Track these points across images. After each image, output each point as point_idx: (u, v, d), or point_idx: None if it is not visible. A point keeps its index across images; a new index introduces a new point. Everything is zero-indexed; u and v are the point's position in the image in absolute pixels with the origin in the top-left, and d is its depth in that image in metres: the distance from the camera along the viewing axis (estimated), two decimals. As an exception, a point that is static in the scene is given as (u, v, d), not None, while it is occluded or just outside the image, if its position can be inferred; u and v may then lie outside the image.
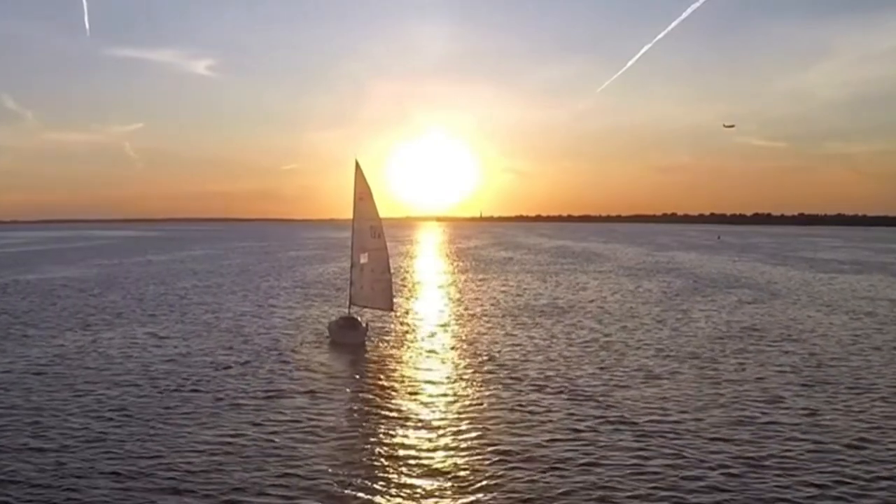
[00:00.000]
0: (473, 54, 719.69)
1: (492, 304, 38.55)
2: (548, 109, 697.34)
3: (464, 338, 28.23)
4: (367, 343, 26.62)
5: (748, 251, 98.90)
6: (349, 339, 26.91)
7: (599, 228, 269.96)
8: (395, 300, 30.14)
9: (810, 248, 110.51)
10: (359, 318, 28.64)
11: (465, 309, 36.94)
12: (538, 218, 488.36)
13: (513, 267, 68.79)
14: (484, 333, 29.13)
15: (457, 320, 33.14)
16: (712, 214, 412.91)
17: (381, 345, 26.68)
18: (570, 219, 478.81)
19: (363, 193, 28.85)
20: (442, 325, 31.57)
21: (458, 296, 43.47)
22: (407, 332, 29.77)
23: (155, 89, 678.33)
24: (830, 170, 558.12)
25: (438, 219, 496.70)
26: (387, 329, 29.94)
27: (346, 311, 29.87)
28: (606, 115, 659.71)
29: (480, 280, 54.04)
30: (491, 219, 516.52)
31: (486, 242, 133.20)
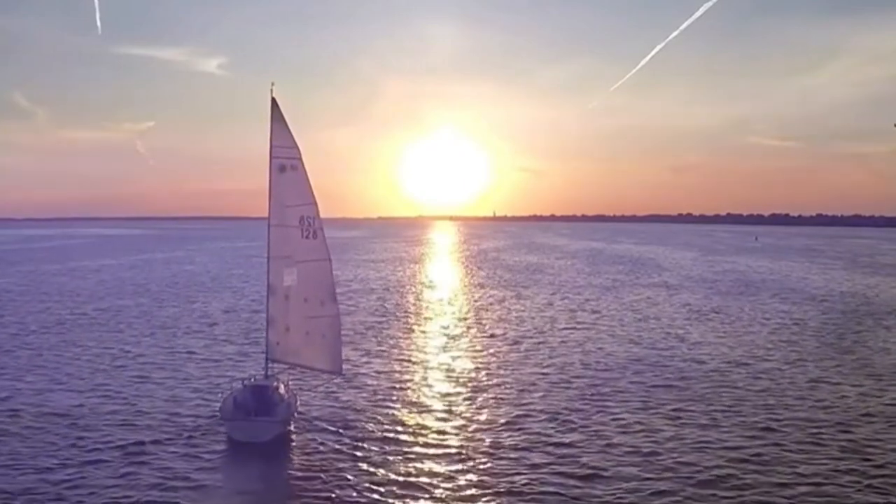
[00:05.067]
0: (485, 52, 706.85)
1: (531, 357, 22.82)
2: (559, 108, 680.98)
3: (483, 431, 14.64)
4: (290, 438, 14.49)
5: (810, 256, 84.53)
6: (256, 432, 14.16)
7: (619, 228, 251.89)
8: (349, 352, 19.75)
9: (869, 250, 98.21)
10: (279, 389, 15.75)
11: (485, 365, 21.94)
12: (552, 217, 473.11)
13: (546, 278, 53.17)
14: (519, 425, 15.23)
15: (469, 391, 18.84)
16: (728, 214, 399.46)
17: (314, 444, 14.18)
18: (584, 218, 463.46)
19: (287, 157, 15.68)
20: (438, 404, 17.41)
21: (473, 334, 27.56)
22: (368, 416, 15.93)
23: (166, 87, 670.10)
24: (842, 170, 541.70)
25: (451, 217, 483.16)
26: (329, 410, 16.55)
27: (260, 372, 16.39)
28: (617, 115, 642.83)
29: (507, 302, 37.73)
30: (504, 218, 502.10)
31: (504, 244, 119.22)
